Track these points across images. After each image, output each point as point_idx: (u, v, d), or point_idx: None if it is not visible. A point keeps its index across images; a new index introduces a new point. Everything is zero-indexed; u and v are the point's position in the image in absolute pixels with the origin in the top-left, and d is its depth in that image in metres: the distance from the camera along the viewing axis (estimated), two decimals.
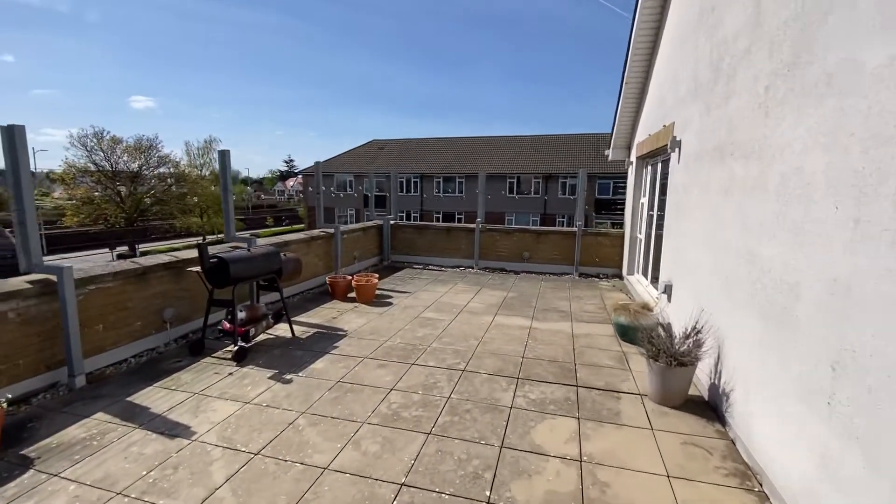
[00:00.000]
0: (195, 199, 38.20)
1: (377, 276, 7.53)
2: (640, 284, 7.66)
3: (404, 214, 37.13)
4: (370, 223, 10.16)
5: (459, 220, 35.16)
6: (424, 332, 5.54)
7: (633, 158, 8.73)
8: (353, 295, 7.16)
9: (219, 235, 45.19)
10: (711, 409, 3.69)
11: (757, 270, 3.02)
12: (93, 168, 34.87)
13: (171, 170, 38.73)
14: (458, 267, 10.08)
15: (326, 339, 5.29)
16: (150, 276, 4.87)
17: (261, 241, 6.20)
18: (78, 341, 4.03)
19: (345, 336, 5.37)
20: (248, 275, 4.78)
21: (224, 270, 4.51)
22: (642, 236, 7.92)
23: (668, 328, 4.15)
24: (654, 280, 6.84)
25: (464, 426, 3.41)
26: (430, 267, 10.10)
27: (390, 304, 6.90)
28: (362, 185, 37.70)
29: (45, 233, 39.77)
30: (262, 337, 5.26)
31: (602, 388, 4.08)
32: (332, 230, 8.28)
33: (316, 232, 8.08)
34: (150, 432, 3.28)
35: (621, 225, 9.76)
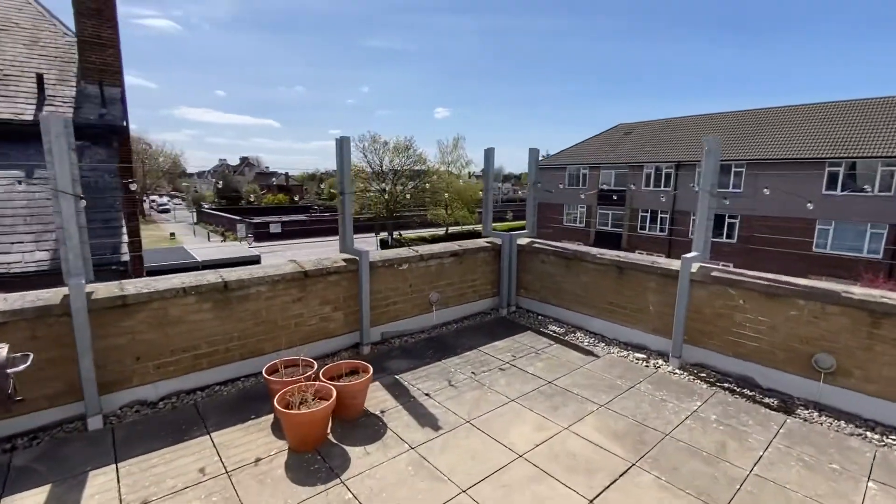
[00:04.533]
0: (427, 188, 40.55)
1: (369, 371, 3.42)
2: None
3: (648, 214, 29.41)
4: (474, 243, 5.89)
5: (731, 228, 25.25)
6: None
7: None
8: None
9: (463, 227, 47.65)
10: None
11: None
12: (366, 167, 41.29)
13: (422, 167, 42.37)
14: (637, 348, 4.73)
15: None
16: None
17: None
18: None
19: None
20: None
21: None
22: None
23: None
24: None
25: None
26: (578, 335, 5.11)
27: (331, 479, 2.75)
28: (599, 177, 31.84)
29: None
30: None
31: None
32: (352, 256, 4.56)
33: (327, 262, 4.53)
34: None
35: None
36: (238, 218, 51.47)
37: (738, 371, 4.09)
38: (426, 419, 3.34)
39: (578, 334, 5.15)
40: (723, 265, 4.39)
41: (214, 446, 2.98)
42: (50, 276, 6.86)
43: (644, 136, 31.85)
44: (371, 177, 40.79)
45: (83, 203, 3.28)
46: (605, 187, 31.20)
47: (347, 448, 2.98)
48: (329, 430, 3.16)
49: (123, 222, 8.20)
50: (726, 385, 3.95)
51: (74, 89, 9.47)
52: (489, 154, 5.77)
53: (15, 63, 9.35)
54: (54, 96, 9.08)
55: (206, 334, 3.77)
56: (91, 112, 9.19)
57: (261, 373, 4.05)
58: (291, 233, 48.46)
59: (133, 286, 3.46)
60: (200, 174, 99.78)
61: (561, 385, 3.91)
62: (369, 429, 3.20)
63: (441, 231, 45.83)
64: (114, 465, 2.78)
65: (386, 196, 40.97)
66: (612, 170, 31.09)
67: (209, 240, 48.11)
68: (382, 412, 3.43)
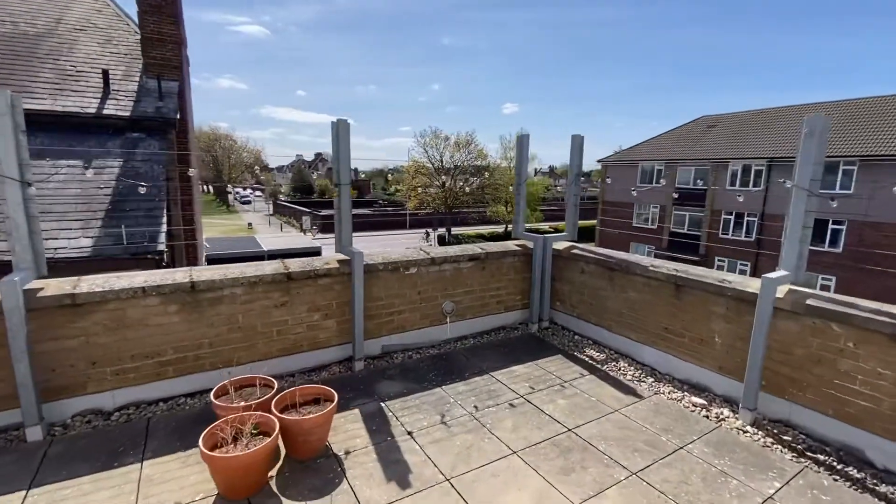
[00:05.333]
0: (466, 188, 39.47)
1: (333, 399, 2.77)
2: None
3: (732, 217, 26.32)
4: (501, 246, 5.06)
5: (835, 236, 21.80)
6: None
7: None
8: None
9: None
10: None
11: None
12: (426, 162, 41.22)
13: (482, 162, 41.47)
14: (696, 390, 3.69)
15: None
16: None
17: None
18: None
19: None
20: None
21: None
22: None
23: None
24: None
25: None
26: (621, 364, 4.14)
27: None
28: (676, 174, 29.06)
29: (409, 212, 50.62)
30: None
31: None
32: (346, 257, 3.96)
33: (318, 263, 3.99)
34: None
35: None
36: (307, 210, 53.96)
37: (840, 439, 2.95)
38: (396, 470, 2.65)
39: (621, 363, 4.18)
40: (822, 280, 3.23)
41: (140, 480, 2.51)
42: (90, 262, 7.02)
43: (731, 130, 28.51)
44: (431, 172, 40.64)
45: (32, 190, 2.97)
46: (660, 185, 28.39)
47: (287, 502, 2.38)
48: (276, 472, 2.58)
49: (165, 211, 8.28)
50: (822, 458, 2.85)
51: (137, 84, 9.80)
52: (522, 142, 4.92)
53: (88, 60, 9.84)
54: (118, 90, 9.43)
55: (173, 339, 3.37)
56: (149, 105, 9.45)
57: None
58: (356, 226, 49.86)
59: (87, 283, 3.11)
60: (280, 169, 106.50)
61: (583, 435, 3.04)
62: (321, 476, 2.57)
63: (500, 228, 44.71)
64: (24, 493, 2.40)
65: (445, 191, 40.60)
66: (692, 166, 28.19)
67: (281, 230, 50.98)
68: (347, 453, 2.79)
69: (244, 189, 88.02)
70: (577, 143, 4.89)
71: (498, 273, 4.91)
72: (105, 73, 9.26)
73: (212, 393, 2.86)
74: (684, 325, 3.85)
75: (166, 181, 9.84)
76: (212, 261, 20.02)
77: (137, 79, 9.80)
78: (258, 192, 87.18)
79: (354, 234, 4.08)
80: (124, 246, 7.27)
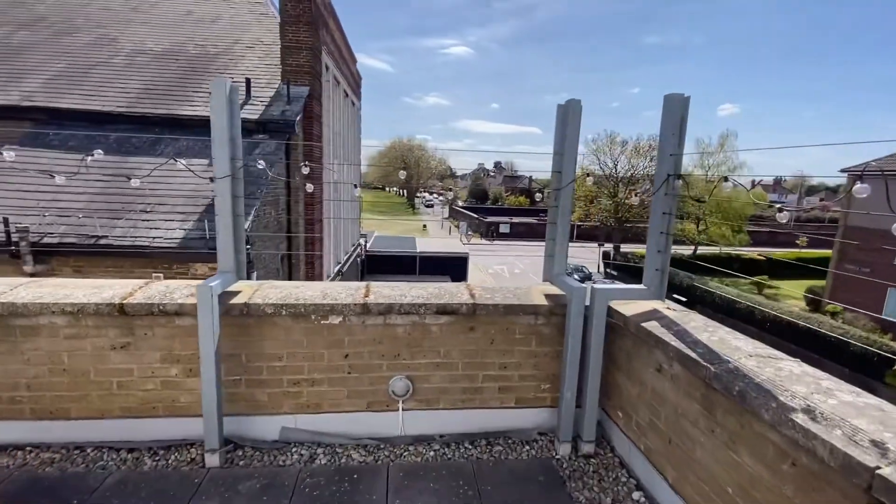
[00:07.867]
0: (639, 199, 32.90)
1: None
2: None
3: None
4: (510, 295, 2.90)
5: None
6: None
7: None
8: None
9: (722, 251, 37.57)
10: None
11: None
12: (596, 169, 37.13)
13: None
14: None
15: None
16: None
17: None
18: None
19: None
20: None
21: None
22: None
23: None
24: None
25: None
26: None
27: None
28: None
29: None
30: None
31: None
32: (189, 299, 2.53)
33: (177, 293, 2.69)
34: None
35: None
36: (475, 216, 55.24)
37: None
38: None
39: None
40: None
41: None
42: (176, 253, 7.35)
43: None
44: (601, 181, 36.36)
45: None
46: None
47: None
48: None
49: (252, 210, 8.27)
50: None
51: (275, 90, 10.39)
52: (568, 112, 2.76)
53: (245, 72, 10.83)
54: (257, 96, 10.09)
55: None
56: (276, 109, 9.88)
57: (53, 446, 2.61)
58: (519, 234, 48.91)
59: None
60: (463, 176, 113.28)
61: None
62: None
63: (687, 250, 37.24)
64: None
65: (615, 202, 35.81)
66: None
67: (450, 233, 53.34)
68: None
69: (430, 194, 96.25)
70: (676, 114, 2.48)
71: (503, 340, 2.85)
72: (248, 82, 10.00)
73: None
74: None
75: (288, 180, 10.17)
76: (369, 257, 21.33)
77: (276, 86, 10.38)
78: (441, 197, 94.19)
79: (513, 243, 2.68)
80: (205, 240, 7.42)
